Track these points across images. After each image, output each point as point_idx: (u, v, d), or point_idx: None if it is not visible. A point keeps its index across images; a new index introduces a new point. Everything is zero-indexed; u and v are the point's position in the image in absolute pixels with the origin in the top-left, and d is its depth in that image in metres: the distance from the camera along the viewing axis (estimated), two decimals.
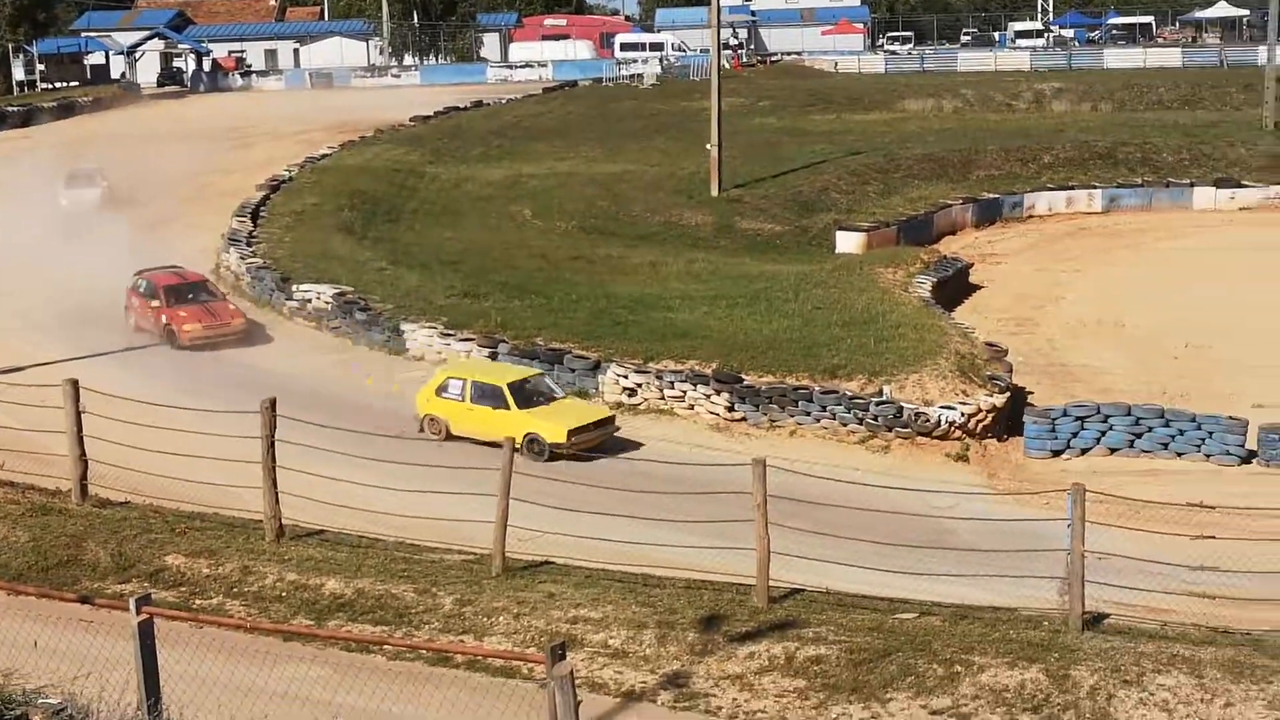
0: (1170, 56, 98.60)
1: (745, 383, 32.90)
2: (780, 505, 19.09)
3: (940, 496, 25.92)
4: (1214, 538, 23.85)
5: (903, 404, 31.73)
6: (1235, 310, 43.98)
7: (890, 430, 31.56)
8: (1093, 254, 53.86)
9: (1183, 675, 16.16)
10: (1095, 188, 62.15)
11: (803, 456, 28.61)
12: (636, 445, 30.93)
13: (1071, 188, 62.12)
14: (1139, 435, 31.74)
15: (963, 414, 31.71)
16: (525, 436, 30.15)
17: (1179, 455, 31.39)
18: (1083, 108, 79.04)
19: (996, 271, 50.88)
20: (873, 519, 21.74)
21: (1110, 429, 31.86)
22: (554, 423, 30.61)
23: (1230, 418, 31.74)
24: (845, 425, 31.90)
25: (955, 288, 45.99)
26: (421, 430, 31.44)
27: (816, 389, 32.34)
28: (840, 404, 31.94)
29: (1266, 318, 42.97)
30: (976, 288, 47.91)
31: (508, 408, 30.90)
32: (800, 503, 20.27)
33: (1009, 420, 32.60)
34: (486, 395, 31.32)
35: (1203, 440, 31.48)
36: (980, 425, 31.94)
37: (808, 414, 32.07)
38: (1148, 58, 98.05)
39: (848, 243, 51.10)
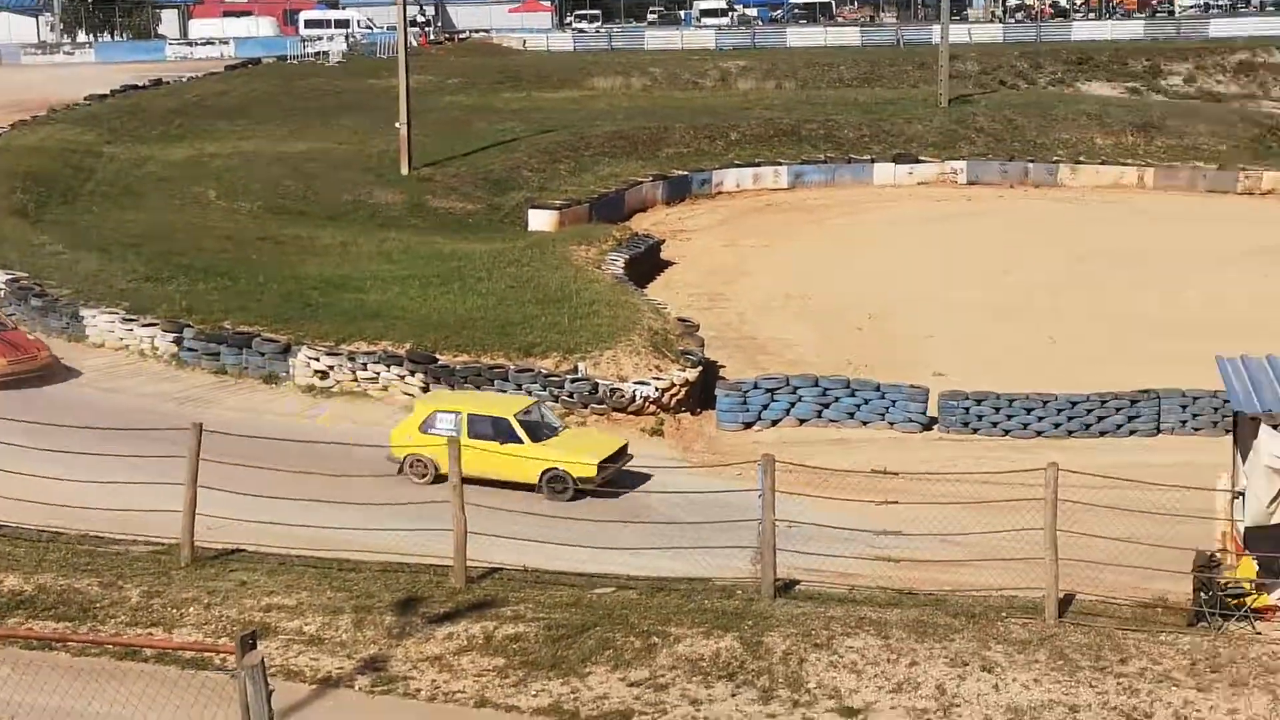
0: (849, 35, 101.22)
1: (440, 363, 32.67)
2: (482, 485, 18.99)
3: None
4: (897, 503, 24.71)
5: (598, 380, 31.92)
6: (914, 281, 45.47)
7: (586, 407, 31.71)
8: (780, 229, 55.03)
9: (870, 637, 16.61)
10: (781, 164, 63.49)
11: None
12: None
13: (758, 164, 63.33)
14: (826, 405, 32.54)
15: (657, 389, 32.05)
16: (545, 474, 26.80)
17: (865, 424, 32.30)
18: (767, 86, 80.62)
19: (687, 248, 51.59)
20: None
21: (799, 400, 32.58)
22: (579, 455, 27.06)
23: (912, 386, 32.77)
24: None
25: (647, 264, 46.49)
26: (401, 472, 27.11)
27: (512, 368, 32.32)
28: (536, 382, 31.96)
29: (944, 288, 44.56)
30: (668, 264, 48.51)
31: (520, 441, 27.11)
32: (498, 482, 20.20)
33: (702, 394, 33.09)
34: (490, 429, 27.23)
35: (887, 409, 32.43)
36: (674, 400, 32.33)
37: (503, 393, 32.02)
38: (828, 36, 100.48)
39: (540, 221, 51.18)
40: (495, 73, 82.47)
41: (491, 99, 74.37)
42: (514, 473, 26.33)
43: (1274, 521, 17.80)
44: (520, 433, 27.24)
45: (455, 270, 40.41)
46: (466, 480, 23.98)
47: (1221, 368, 20.21)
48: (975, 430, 32.12)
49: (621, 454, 27.43)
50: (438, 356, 32.80)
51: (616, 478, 26.81)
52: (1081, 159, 64.78)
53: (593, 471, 26.65)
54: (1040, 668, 15.91)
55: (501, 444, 26.79)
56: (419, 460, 27.24)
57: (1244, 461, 18.77)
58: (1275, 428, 18.26)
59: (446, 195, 54.53)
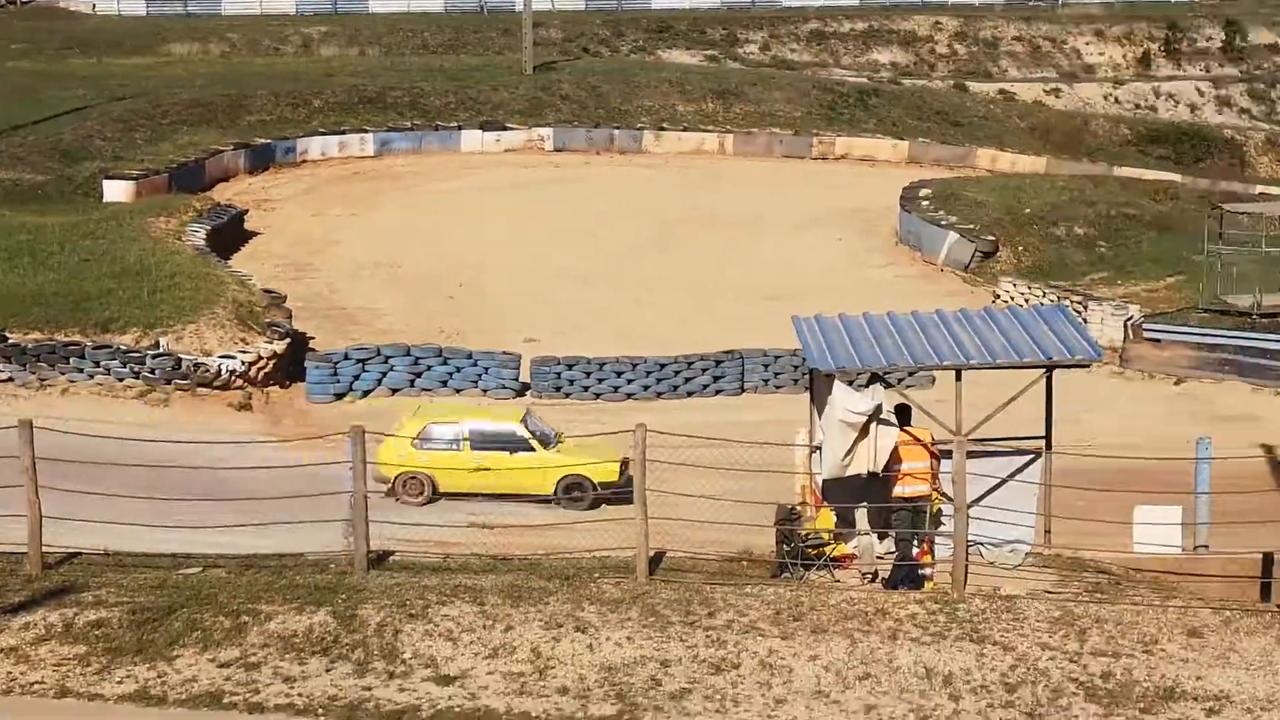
0: (433, 1, 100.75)
1: (9, 341, 31.13)
2: (55, 467, 18.11)
3: (222, 447, 25.44)
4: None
5: (181, 355, 31.02)
6: (504, 249, 45.69)
7: (169, 383, 30.78)
8: (368, 198, 54.46)
9: (466, 604, 16.57)
10: (367, 132, 62.68)
11: (77, 415, 27.37)
12: None
13: (343, 132, 62.36)
14: (419, 374, 32.47)
15: (243, 362, 31.36)
16: (562, 482, 25.62)
17: (458, 392, 32.35)
18: (351, 52, 79.51)
19: (273, 218, 50.53)
20: (153, 475, 21.04)
21: (391, 370, 32.41)
22: (599, 458, 25.58)
23: (504, 353, 33.01)
24: (121, 380, 30.83)
25: (231, 235, 45.31)
26: (392, 493, 25.51)
27: (89, 344, 31.07)
28: (115, 359, 30.83)
29: (534, 255, 44.92)
30: (253, 234, 47.40)
31: (531, 450, 26.04)
32: (75, 464, 19.30)
33: (291, 366, 32.51)
34: (498, 440, 26.11)
35: (479, 376, 32.58)
36: (262, 373, 31.70)
37: (80, 370, 30.76)
38: (411, 3, 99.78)
39: (116, 192, 49.19)
40: (63, 38, 78.90)
41: (59, 66, 71.10)
42: (527, 484, 25.26)
43: (849, 473, 18.49)
44: (533, 441, 26.13)
45: (24, 244, 38.46)
46: (469, 495, 24.90)
47: (797, 327, 20.86)
48: (567, 395, 32.59)
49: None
50: (7, 335, 31.25)
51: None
52: (664, 126, 66.05)
53: (616, 474, 25.32)
54: (632, 625, 16.18)
55: (511, 454, 25.80)
56: (414, 478, 25.75)
57: (820, 417, 19.44)
58: (850, 384, 19.00)
59: (13, 166, 51.82)
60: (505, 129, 64.55)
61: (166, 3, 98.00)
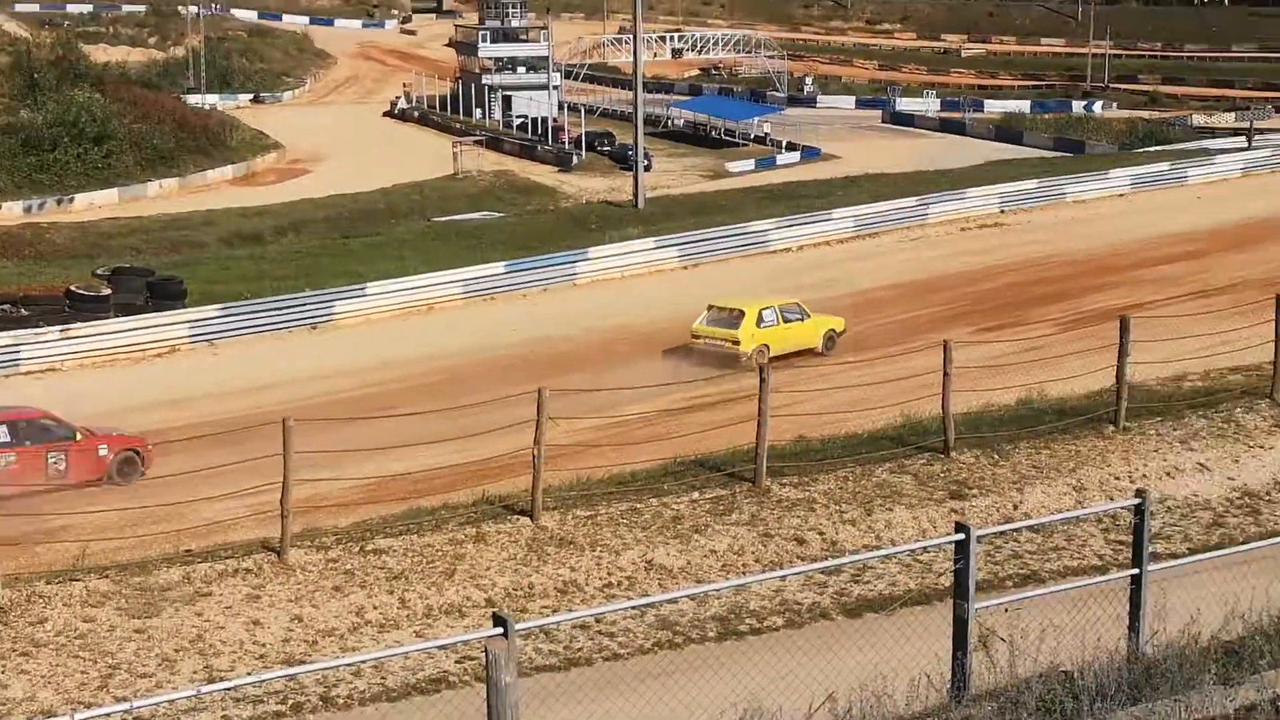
0: None
1: None
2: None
3: None
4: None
5: None
6: None
7: None
8: None
9: None
10: None
11: None
12: None
13: None
14: None
15: None
16: (825, 334, 39.55)
17: None
18: None
19: None
20: None
21: None
22: (833, 318, 40.38)
23: None
24: None
25: None
26: (748, 359, 36.18)
27: None
28: None
29: None
30: None
31: (808, 316, 39.70)
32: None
33: None
34: (792, 313, 39.44)
35: None
36: None
37: None
38: None
39: None
40: None
41: None
42: (809, 339, 38.99)
43: None
44: (806, 310, 39.95)
45: None
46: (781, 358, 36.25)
47: None
48: None
49: None
50: None
51: None
52: None
53: (843, 325, 40.22)
54: None
55: (800, 321, 39.35)
56: (762, 348, 37.26)
57: None
58: None
59: None
60: None
61: None
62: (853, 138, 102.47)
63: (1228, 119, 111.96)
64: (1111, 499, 19.13)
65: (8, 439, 29.54)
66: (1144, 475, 20.04)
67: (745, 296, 40.67)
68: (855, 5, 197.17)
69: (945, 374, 20.41)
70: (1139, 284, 45.73)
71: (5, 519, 24.82)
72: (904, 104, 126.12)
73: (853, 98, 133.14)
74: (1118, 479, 20.00)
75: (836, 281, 47.11)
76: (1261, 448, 21.16)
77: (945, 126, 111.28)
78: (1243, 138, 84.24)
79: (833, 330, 39.86)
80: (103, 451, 30.43)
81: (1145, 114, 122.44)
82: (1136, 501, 11.50)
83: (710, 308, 39.59)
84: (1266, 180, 64.99)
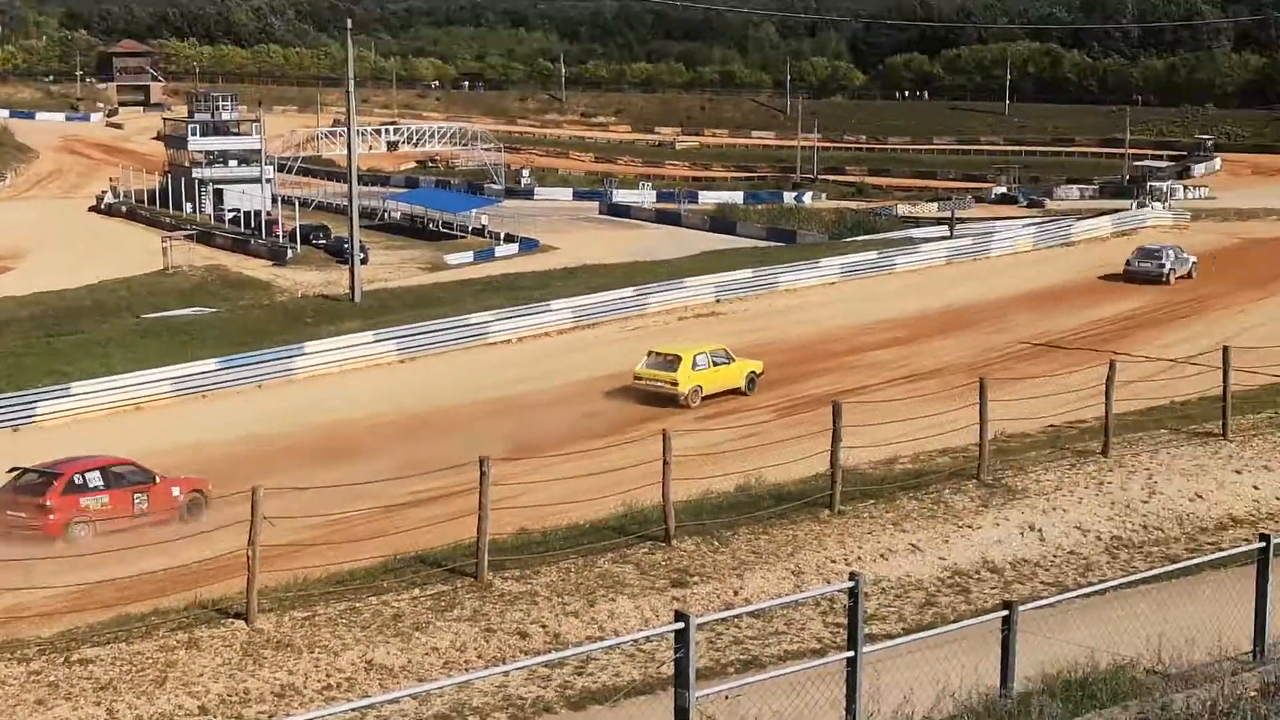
0: None
1: None
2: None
3: None
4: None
5: None
6: None
7: None
8: None
9: None
10: None
11: None
12: None
13: None
14: None
15: None
16: (747, 375, 44.56)
17: None
18: None
19: None
20: None
21: None
22: (753, 362, 45.29)
23: None
24: None
25: None
26: (685, 400, 42.74)
27: None
28: None
29: None
30: None
31: (733, 360, 44.49)
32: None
33: None
34: (720, 358, 44.22)
35: None
36: None
37: None
38: None
39: None
40: None
41: None
42: (735, 380, 44.18)
43: None
44: (733, 356, 44.71)
45: None
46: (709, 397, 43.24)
47: None
48: None
49: None
50: None
51: None
52: None
53: (760, 367, 45.27)
54: None
55: (725, 366, 43.98)
56: (697, 389, 43.17)
57: None
58: None
59: None
60: None
61: None
62: (571, 229, 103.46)
63: (931, 208, 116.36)
64: (828, 582, 19.40)
65: (101, 483, 32.77)
66: (859, 557, 20.39)
67: (682, 343, 47.00)
68: (570, 99, 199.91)
69: (665, 462, 20.52)
70: (851, 369, 46.95)
71: None
72: (620, 195, 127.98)
73: (570, 189, 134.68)
74: (834, 562, 20.30)
75: (554, 374, 47.31)
76: (969, 527, 21.74)
77: (661, 217, 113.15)
78: (945, 226, 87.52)
79: (753, 372, 45.02)
80: (175, 492, 33.50)
81: (853, 204, 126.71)
82: (850, 584, 11.64)
83: (650, 353, 44.89)
84: (969, 267, 67.62)
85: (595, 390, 44.73)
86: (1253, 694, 10.70)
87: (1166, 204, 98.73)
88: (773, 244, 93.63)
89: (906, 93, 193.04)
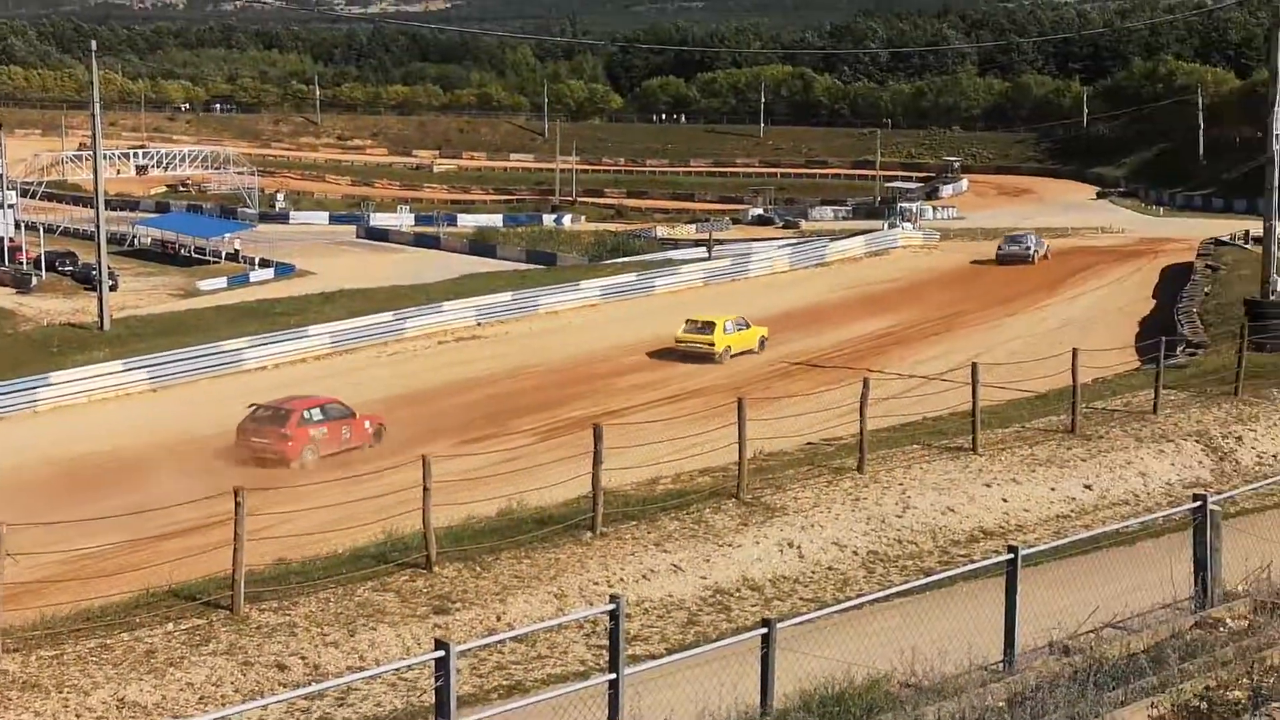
0: None
1: None
2: None
3: None
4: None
5: None
6: None
7: None
8: None
9: None
10: None
11: None
12: None
13: None
14: None
15: None
16: (760, 338, 54.09)
17: None
18: None
19: None
20: None
21: None
22: (761, 328, 54.61)
23: None
24: None
25: None
26: (719, 358, 51.66)
27: None
28: None
29: None
30: None
31: (749, 326, 54.04)
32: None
33: None
34: (741, 324, 53.66)
35: None
36: None
37: None
38: None
39: None
40: None
41: None
42: (752, 342, 53.66)
43: None
44: (749, 323, 54.59)
45: None
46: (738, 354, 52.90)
47: None
48: None
49: None
50: None
51: None
52: None
53: (767, 331, 55.16)
54: None
55: (746, 330, 53.70)
56: (728, 349, 52.21)
57: None
58: None
59: None
60: None
61: None
62: (328, 253, 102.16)
63: (689, 230, 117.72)
64: (591, 604, 19.40)
65: (321, 416, 40.68)
66: (621, 579, 20.45)
67: (712, 313, 54.70)
68: (326, 122, 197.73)
69: (425, 488, 20.33)
70: (613, 391, 47.20)
71: None
72: (378, 219, 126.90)
73: (326, 213, 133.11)
74: (597, 584, 20.31)
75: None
76: (730, 546, 21.95)
77: (420, 241, 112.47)
78: (703, 248, 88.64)
79: (763, 335, 54.34)
80: (368, 425, 41.43)
81: (612, 226, 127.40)
82: (611, 607, 11.64)
83: (688, 321, 53.70)
84: (728, 288, 68.56)
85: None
86: (1001, 704, 10.95)
87: (916, 224, 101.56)
88: (533, 267, 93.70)
89: (663, 115, 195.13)
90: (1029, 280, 70.98)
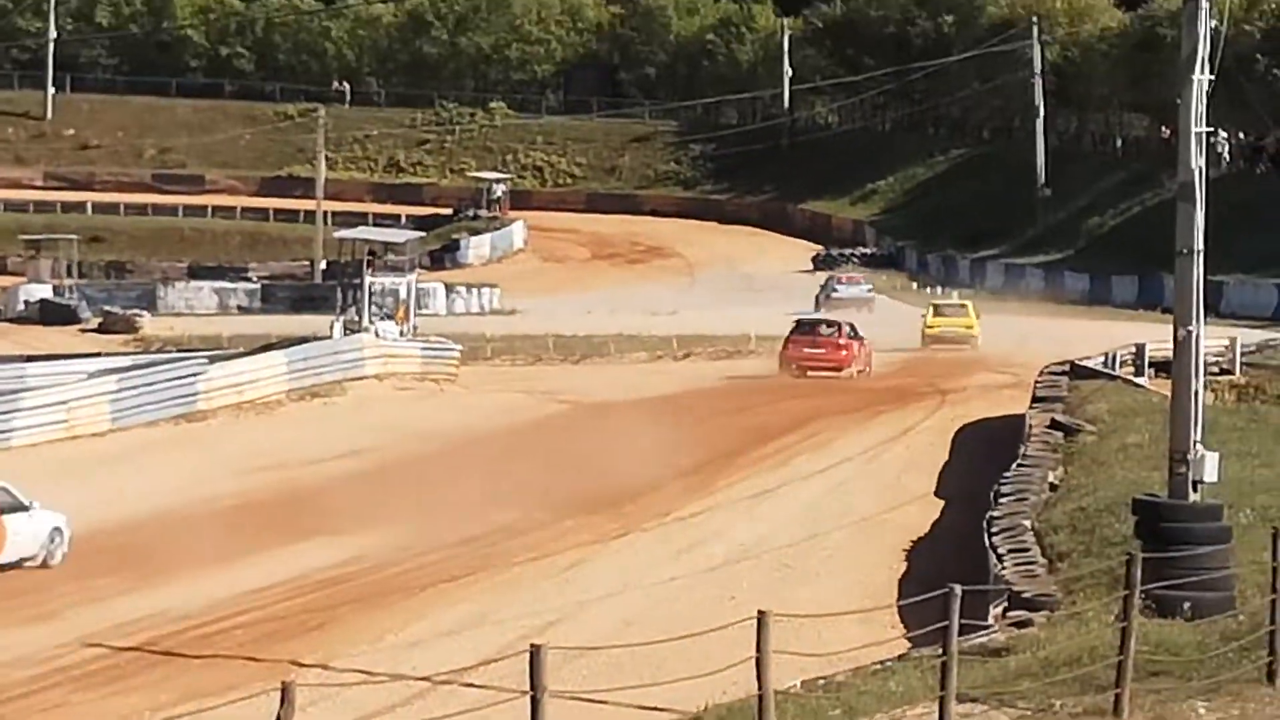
0: None
1: None
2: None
3: None
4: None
5: None
6: None
7: None
8: None
9: None
10: None
11: None
12: None
13: None
14: None
15: None
16: (980, 322, 52.71)
17: None
18: None
19: None
20: None
21: None
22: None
23: None
24: None
25: None
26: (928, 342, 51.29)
27: None
28: None
29: None
30: None
31: (968, 312, 53.21)
32: None
33: None
34: (954, 306, 54.67)
35: None
36: None
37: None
38: None
39: None
40: None
41: None
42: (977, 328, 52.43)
43: None
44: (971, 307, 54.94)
45: None
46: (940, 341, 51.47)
47: None
48: None
49: None
50: None
51: None
52: None
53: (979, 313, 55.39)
54: None
55: (962, 315, 53.27)
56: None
57: None
58: None
59: None
60: None
61: None
62: None
63: None
64: None
65: (852, 334, 46.14)
66: None
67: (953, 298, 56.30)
68: None
69: None
70: None
71: None
72: None
73: None
74: None
75: None
76: None
77: None
78: None
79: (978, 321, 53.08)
80: (857, 349, 45.77)
81: None
82: None
83: (932, 306, 53.95)
84: None
85: None
86: None
87: (407, 326, 52.59)
88: None
89: None
90: (693, 449, 33.46)
